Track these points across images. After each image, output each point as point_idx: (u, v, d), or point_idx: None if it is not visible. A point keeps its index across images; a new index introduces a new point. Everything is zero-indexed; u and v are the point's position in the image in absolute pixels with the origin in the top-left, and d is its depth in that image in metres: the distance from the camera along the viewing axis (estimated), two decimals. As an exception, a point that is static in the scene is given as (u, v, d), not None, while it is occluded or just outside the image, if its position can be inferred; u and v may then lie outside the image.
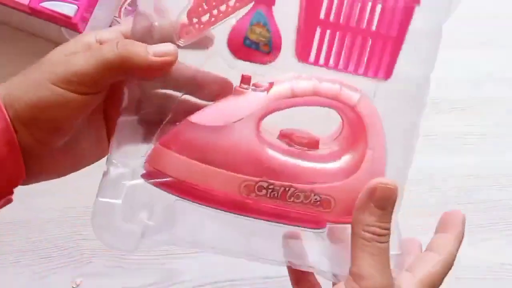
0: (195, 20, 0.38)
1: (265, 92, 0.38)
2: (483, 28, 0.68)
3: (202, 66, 0.39)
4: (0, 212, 0.60)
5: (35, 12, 0.56)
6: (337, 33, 0.39)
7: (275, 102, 0.38)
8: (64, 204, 0.61)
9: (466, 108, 0.65)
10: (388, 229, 0.38)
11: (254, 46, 0.38)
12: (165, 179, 0.38)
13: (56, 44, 0.65)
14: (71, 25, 0.57)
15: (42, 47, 0.64)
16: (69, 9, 0.56)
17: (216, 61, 0.39)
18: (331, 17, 0.38)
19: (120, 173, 0.40)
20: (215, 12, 0.37)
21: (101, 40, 0.39)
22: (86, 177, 0.62)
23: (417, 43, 0.40)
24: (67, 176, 0.61)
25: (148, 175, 0.39)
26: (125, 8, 0.66)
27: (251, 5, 0.38)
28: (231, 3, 0.37)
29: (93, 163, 0.44)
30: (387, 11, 0.38)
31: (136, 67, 0.37)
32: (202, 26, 0.38)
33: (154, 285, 0.60)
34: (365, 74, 0.39)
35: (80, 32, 0.58)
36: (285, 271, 0.48)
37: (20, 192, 0.61)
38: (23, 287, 0.59)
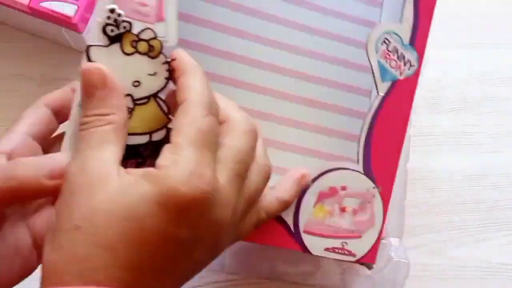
0: None
1: None
2: (482, 27, 0.68)
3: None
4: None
5: (35, 12, 0.56)
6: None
7: None
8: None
9: (465, 108, 0.65)
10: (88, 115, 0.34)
11: None
12: None
13: (56, 44, 0.65)
14: (71, 25, 0.57)
15: (42, 47, 0.64)
16: (69, 9, 0.56)
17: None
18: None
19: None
20: None
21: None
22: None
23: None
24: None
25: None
26: (125, 8, 0.66)
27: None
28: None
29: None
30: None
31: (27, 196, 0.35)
32: None
33: (154, 285, 0.60)
34: None
35: (80, 32, 0.58)
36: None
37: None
38: (23, 287, 0.59)
